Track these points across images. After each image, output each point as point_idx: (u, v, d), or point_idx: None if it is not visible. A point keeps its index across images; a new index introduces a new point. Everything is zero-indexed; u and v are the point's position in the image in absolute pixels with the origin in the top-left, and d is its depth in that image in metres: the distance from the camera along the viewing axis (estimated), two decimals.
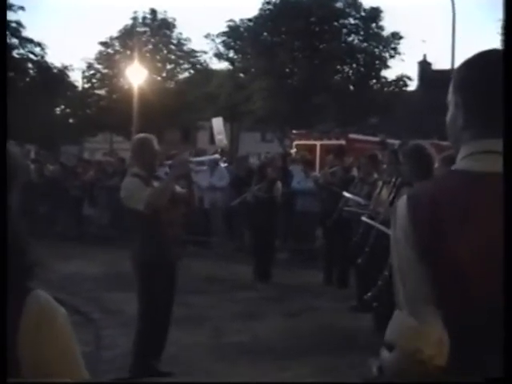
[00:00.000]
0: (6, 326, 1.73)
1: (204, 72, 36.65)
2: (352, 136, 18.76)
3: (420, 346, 1.81)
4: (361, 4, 30.03)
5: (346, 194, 9.03)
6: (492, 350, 1.80)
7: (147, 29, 38.25)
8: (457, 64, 2.25)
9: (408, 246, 1.88)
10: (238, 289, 10.37)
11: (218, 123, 17.38)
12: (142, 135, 6.42)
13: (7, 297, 1.73)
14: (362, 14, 30.05)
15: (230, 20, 30.85)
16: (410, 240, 1.87)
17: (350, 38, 30.50)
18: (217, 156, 11.33)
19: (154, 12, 38.16)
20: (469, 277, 1.80)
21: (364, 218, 7.09)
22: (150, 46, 38.02)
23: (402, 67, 57.56)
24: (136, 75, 26.71)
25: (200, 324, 8.14)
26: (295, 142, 19.94)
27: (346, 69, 30.28)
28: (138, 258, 5.84)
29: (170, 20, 38.29)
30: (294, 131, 21.31)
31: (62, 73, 34.64)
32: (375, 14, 29.84)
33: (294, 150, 19.03)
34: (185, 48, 38.58)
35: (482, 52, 2.03)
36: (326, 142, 18.11)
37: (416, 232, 1.86)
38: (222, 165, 15.16)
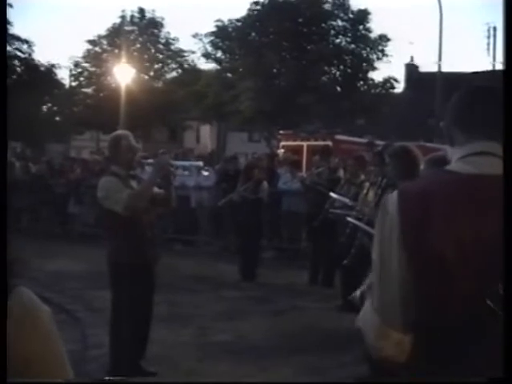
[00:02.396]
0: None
1: (192, 72, 36.61)
2: (338, 137, 18.79)
3: (382, 346, 1.90)
4: (349, 6, 30.10)
5: (333, 195, 9.06)
6: (472, 349, 1.82)
7: (135, 28, 38.15)
8: (444, 66, 2.32)
9: (393, 241, 1.90)
10: (223, 288, 10.38)
11: (205, 131, 17.57)
12: (118, 132, 6.33)
13: None
14: (350, 15, 30.10)
15: (218, 20, 30.83)
16: (395, 235, 1.90)
17: (338, 40, 30.54)
18: (199, 163, 11.37)
19: (142, 11, 38.09)
20: (454, 275, 1.82)
21: (350, 219, 7.10)
22: (138, 45, 37.93)
23: (389, 69, 57.80)
24: (123, 74, 26.64)
25: (185, 323, 8.12)
26: (282, 143, 19.96)
27: (334, 70, 30.31)
28: (115, 258, 5.74)
29: (158, 19, 38.25)
30: (281, 131, 21.33)
31: (50, 71, 34.48)
32: (363, 16, 29.90)
33: (280, 151, 19.06)
34: (173, 47, 38.55)
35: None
36: (312, 142, 18.13)
37: (403, 228, 1.89)
38: (204, 172, 15.23)
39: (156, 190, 5.92)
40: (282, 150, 18.84)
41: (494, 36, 36.22)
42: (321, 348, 7.11)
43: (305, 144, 18.56)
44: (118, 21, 38.03)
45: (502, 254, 1.81)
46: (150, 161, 6.63)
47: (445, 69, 29.00)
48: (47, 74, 34.11)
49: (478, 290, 1.80)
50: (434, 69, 29.22)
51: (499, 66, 36.26)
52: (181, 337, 7.49)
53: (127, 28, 37.84)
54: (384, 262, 1.94)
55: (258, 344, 7.35)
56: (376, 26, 30.74)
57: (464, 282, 1.81)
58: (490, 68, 34.91)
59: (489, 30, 36.53)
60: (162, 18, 38.28)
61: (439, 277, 1.83)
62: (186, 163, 15.62)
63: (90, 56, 38.10)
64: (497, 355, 1.79)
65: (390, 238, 1.91)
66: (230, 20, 30.64)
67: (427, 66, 49.55)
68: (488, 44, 36.53)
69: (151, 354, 6.13)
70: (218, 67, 32.34)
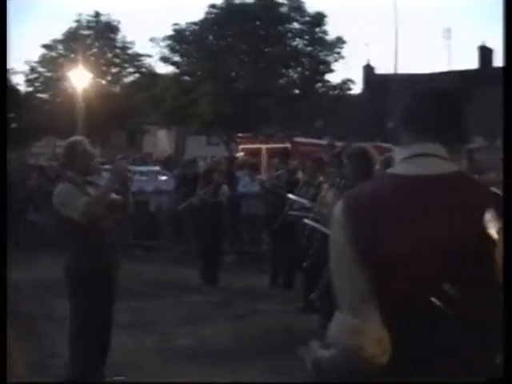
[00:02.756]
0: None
1: (149, 76, 36.42)
2: (297, 139, 18.89)
3: (362, 344, 1.84)
4: (305, 9, 30.28)
5: (292, 197, 9.10)
6: (429, 350, 1.84)
7: (91, 32, 37.83)
8: (400, 68, 2.35)
9: (346, 245, 1.91)
10: (185, 293, 10.34)
11: (162, 135, 17.53)
12: (73, 138, 6.25)
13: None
14: (307, 18, 30.28)
15: (175, 24, 30.74)
16: (347, 239, 1.91)
17: (295, 42, 30.70)
18: (157, 168, 11.35)
19: (98, 15, 37.79)
20: (403, 276, 1.84)
21: (307, 221, 7.14)
22: (95, 50, 37.61)
23: (346, 71, 58.24)
24: (80, 79, 26.42)
25: (147, 329, 8.08)
26: (241, 146, 19.99)
27: (291, 73, 30.46)
28: (73, 266, 5.63)
29: (115, 23, 37.99)
30: (240, 135, 21.35)
31: None
32: (319, 18, 30.09)
33: (239, 154, 19.08)
34: (130, 51, 38.32)
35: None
36: (271, 145, 18.19)
37: (353, 231, 1.90)
38: (162, 177, 15.18)
39: (113, 195, 5.86)
40: (241, 153, 18.87)
41: (450, 37, 36.74)
42: (283, 350, 7.11)
43: (264, 147, 18.61)
44: (73, 25, 37.71)
45: (451, 253, 1.83)
46: (107, 166, 6.55)
47: (401, 70, 29.35)
48: None
49: (426, 289, 1.82)
50: (391, 70, 29.58)
51: (455, 67, 36.85)
52: (143, 343, 7.45)
53: (83, 32, 37.52)
54: (341, 267, 1.96)
55: (221, 348, 7.35)
56: (332, 29, 31.03)
57: (414, 281, 1.83)
58: (446, 69, 35.38)
59: (444, 32, 37.02)
60: (119, 22, 38.06)
61: (390, 278, 1.85)
62: (144, 168, 15.58)
63: (45, 61, 37.68)
64: (449, 354, 1.83)
65: (342, 244, 1.93)
66: (187, 23, 30.61)
67: (384, 67, 49.97)
68: (445, 46, 37.02)
69: (113, 361, 6.08)
70: (176, 71, 32.22)
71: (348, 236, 1.91)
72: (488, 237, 1.85)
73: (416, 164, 1.98)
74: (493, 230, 1.86)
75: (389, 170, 2.07)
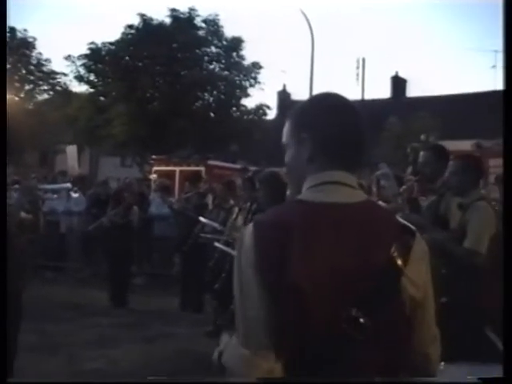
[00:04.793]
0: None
1: (64, 94, 35.83)
2: (212, 162, 18.95)
3: (251, 375, 1.85)
4: (223, 33, 30.43)
5: (202, 220, 9.15)
6: (338, 376, 1.85)
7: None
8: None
9: (251, 271, 1.91)
10: (94, 315, 10.22)
11: (72, 151, 17.18)
12: None
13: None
14: (224, 42, 30.44)
15: (92, 43, 30.41)
16: (253, 265, 1.91)
17: (212, 66, 30.77)
18: (68, 185, 11.18)
19: (13, 30, 37.01)
20: (310, 303, 1.84)
21: (217, 244, 7.20)
22: (9, 66, 36.80)
23: (261, 96, 58.72)
24: None
25: (55, 352, 7.95)
26: (154, 168, 19.92)
27: (207, 96, 30.50)
28: None
29: (30, 40, 37.26)
30: (154, 157, 21.25)
31: None
32: (236, 43, 30.29)
33: (153, 176, 19.01)
34: (44, 69, 37.61)
35: (320, 94, 2.21)
36: (185, 168, 18.20)
37: (259, 258, 1.90)
38: (74, 194, 14.95)
39: (23, 214, 5.80)
40: (155, 175, 18.81)
41: (363, 67, 37.68)
42: (193, 373, 7.13)
43: (177, 169, 18.59)
44: None
45: (357, 280, 1.86)
46: (17, 186, 6.46)
47: None
48: None
49: (335, 316, 1.84)
50: (306, 97, 29.98)
51: (368, 96, 37.72)
52: (52, 366, 7.32)
53: None
54: (244, 293, 1.94)
55: (130, 371, 7.30)
56: (249, 54, 31.24)
57: (321, 308, 1.84)
58: (359, 98, 36.20)
59: (358, 61, 37.92)
60: (35, 39, 37.36)
61: (296, 305, 1.85)
62: (55, 186, 15.29)
63: None
64: (358, 376, 1.86)
65: (247, 270, 1.92)
66: (103, 43, 30.29)
67: (299, 93, 50.68)
68: (357, 74, 37.92)
69: None
70: (91, 90, 31.84)
71: (253, 262, 1.91)
72: (395, 265, 1.89)
73: (323, 192, 1.98)
74: (399, 259, 1.90)
75: (297, 197, 2.06)
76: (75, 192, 15.10)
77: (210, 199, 11.24)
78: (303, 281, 1.84)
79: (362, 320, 1.84)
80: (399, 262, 1.91)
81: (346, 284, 1.86)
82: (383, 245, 1.92)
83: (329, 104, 2.10)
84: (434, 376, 2.12)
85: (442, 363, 2.82)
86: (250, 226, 2.01)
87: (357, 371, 1.85)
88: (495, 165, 11.83)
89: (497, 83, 56.88)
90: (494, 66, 41.44)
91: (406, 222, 2.04)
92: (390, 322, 1.89)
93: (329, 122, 2.04)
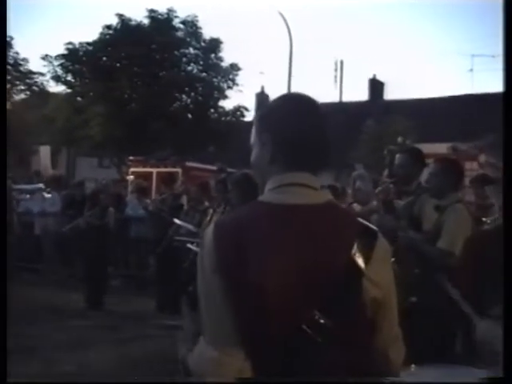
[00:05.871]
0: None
1: (41, 94, 35.59)
2: (189, 164, 18.94)
3: (221, 375, 1.86)
4: (201, 34, 30.38)
5: (177, 221, 9.12)
6: (299, 377, 1.86)
7: None
8: None
9: (212, 273, 1.92)
10: (69, 317, 10.16)
11: (45, 152, 17.06)
12: None
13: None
14: (202, 44, 30.40)
15: (69, 43, 30.20)
16: (214, 267, 1.92)
17: (190, 67, 30.73)
18: (40, 185, 11.14)
19: None
20: (271, 303, 1.85)
21: (190, 246, 7.18)
22: None
23: (239, 98, 58.67)
24: None
25: (30, 354, 7.88)
26: (131, 169, 19.86)
27: (185, 97, 30.44)
28: None
29: (8, 39, 37.00)
30: (131, 158, 21.18)
31: None
32: (215, 44, 30.27)
33: (130, 177, 18.96)
34: (21, 69, 37.34)
35: (284, 95, 2.21)
36: (162, 169, 18.16)
37: (220, 259, 1.91)
38: (47, 195, 14.86)
39: None
40: (132, 177, 18.75)
41: (342, 69, 37.74)
42: (169, 375, 7.09)
43: (154, 171, 18.55)
44: None
45: (318, 281, 1.87)
46: None
47: None
48: None
49: (295, 317, 1.84)
50: None
51: (345, 99, 37.83)
52: (27, 369, 7.24)
53: None
54: (207, 293, 1.96)
55: (106, 373, 7.26)
56: (227, 55, 31.20)
57: (281, 309, 1.85)
58: (337, 100, 36.29)
59: (336, 64, 37.95)
60: (11, 38, 37.09)
61: (256, 306, 1.86)
62: (29, 186, 15.21)
63: None
64: (321, 376, 1.86)
65: (208, 270, 1.93)
66: (80, 43, 30.11)
67: (277, 95, 50.74)
68: (335, 77, 37.95)
69: None
70: (68, 91, 31.65)
71: (214, 262, 1.92)
72: (356, 266, 1.90)
73: (283, 193, 1.99)
74: (360, 260, 1.91)
75: (259, 198, 2.07)
76: (48, 193, 15.00)
77: (185, 200, 11.22)
78: (260, 282, 1.84)
79: (322, 321, 1.85)
80: (360, 262, 1.92)
81: (306, 285, 1.87)
82: (344, 246, 1.93)
83: (290, 106, 2.11)
84: (396, 376, 2.13)
85: (413, 365, 2.84)
86: (211, 227, 2.02)
87: (319, 372, 1.86)
88: (471, 168, 11.96)
89: (474, 87, 57.55)
90: (471, 70, 41.79)
91: (367, 223, 2.04)
92: (352, 323, 1.90)
93: (289, 124, 2.04)
